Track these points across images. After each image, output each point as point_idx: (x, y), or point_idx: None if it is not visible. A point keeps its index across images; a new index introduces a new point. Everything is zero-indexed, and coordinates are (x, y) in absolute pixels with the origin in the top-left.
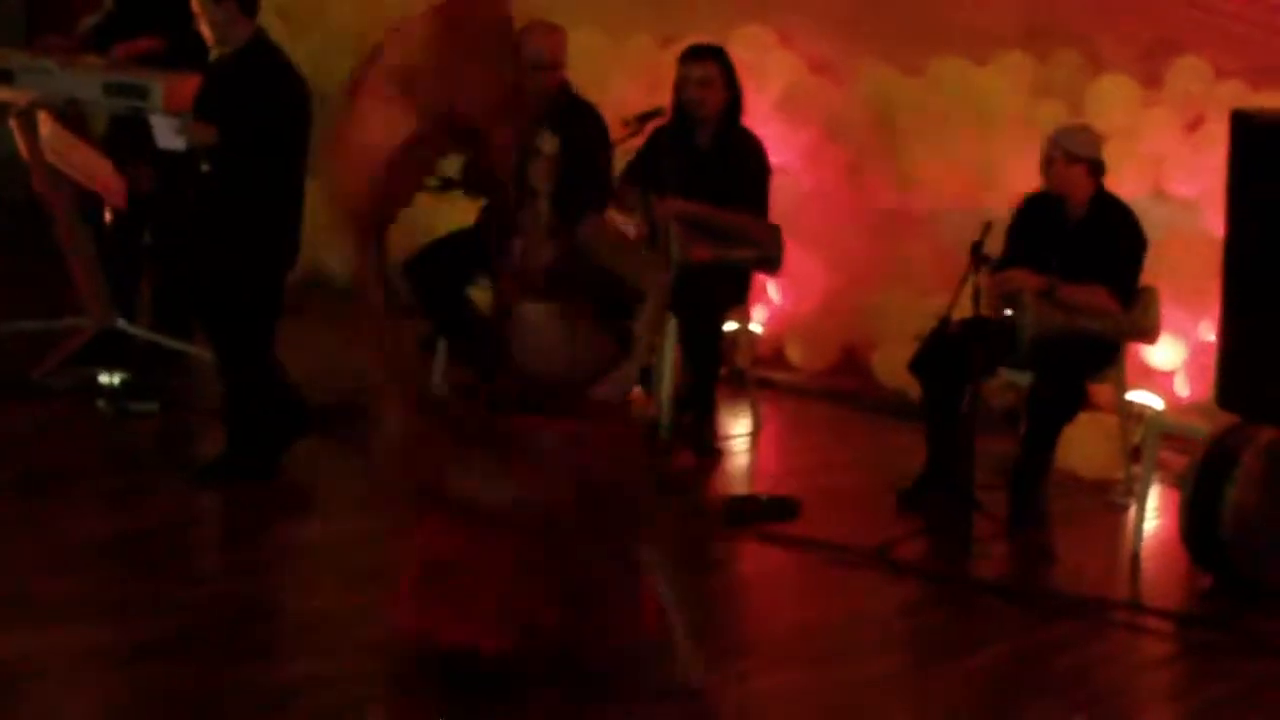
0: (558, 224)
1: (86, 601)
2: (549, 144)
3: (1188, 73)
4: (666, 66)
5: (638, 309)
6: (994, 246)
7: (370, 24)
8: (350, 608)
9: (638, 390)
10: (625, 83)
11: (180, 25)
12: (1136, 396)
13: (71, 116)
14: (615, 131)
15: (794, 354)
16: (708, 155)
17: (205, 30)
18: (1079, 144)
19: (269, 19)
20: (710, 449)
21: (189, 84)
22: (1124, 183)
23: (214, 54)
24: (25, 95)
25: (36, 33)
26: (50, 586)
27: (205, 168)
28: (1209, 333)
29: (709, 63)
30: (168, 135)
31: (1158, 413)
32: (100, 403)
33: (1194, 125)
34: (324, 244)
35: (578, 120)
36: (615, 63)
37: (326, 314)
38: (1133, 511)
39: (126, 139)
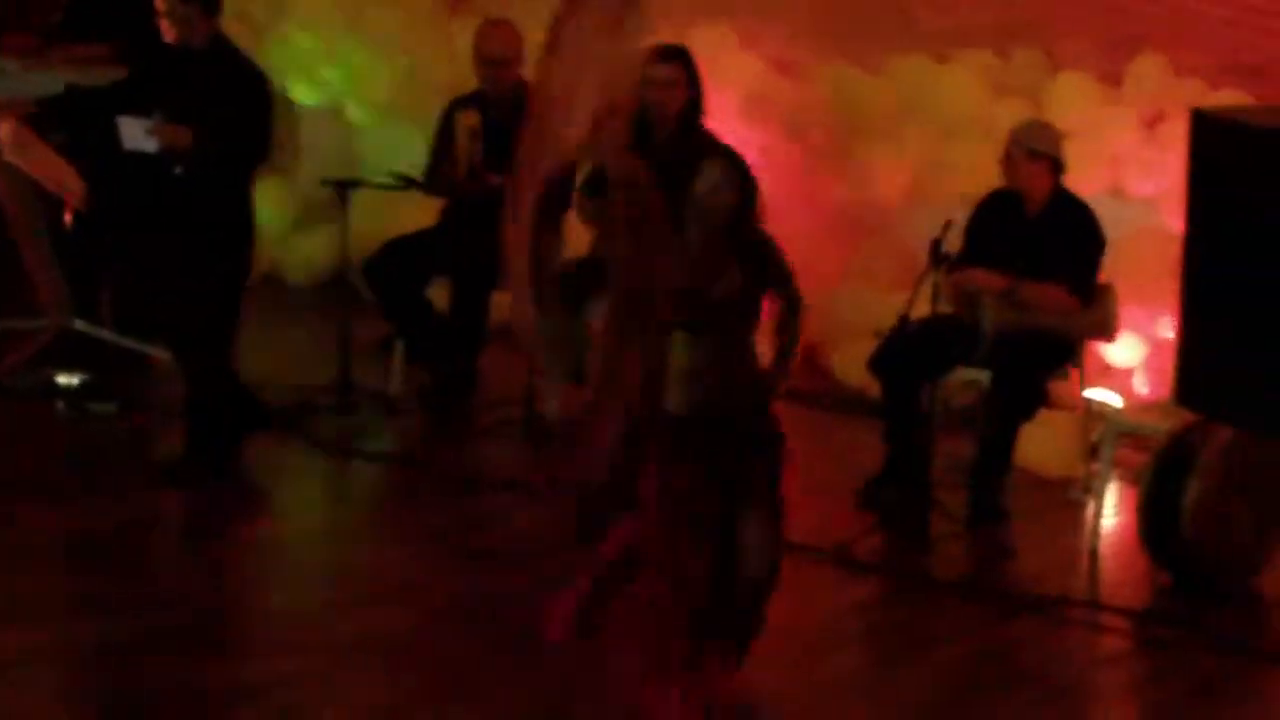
0: (727, 253)
1: (46, 601)
2: (709, 177)
3: (1147, 71)
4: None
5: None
6: (953, 245)
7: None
8: (311, 605)
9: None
10: None
11: (136, 26)
12: (1095, 394)
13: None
14: None
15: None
16: (668, 154)
17: (167, 27)
18: (1040, 141)
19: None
20: None
21: None
22: (1083, 181)
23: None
24: None
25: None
26: (9, 586)
27: (178, 170)
28: (1167, 331)
29: (674, 64)
30: (136, 137)
31: (1116, 411)
32: (59, 404)
33: (1153, 123)
34: (279, 243)
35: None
36: None
37: (281, 314)
38: (1091, 509)
39: (90, 141)
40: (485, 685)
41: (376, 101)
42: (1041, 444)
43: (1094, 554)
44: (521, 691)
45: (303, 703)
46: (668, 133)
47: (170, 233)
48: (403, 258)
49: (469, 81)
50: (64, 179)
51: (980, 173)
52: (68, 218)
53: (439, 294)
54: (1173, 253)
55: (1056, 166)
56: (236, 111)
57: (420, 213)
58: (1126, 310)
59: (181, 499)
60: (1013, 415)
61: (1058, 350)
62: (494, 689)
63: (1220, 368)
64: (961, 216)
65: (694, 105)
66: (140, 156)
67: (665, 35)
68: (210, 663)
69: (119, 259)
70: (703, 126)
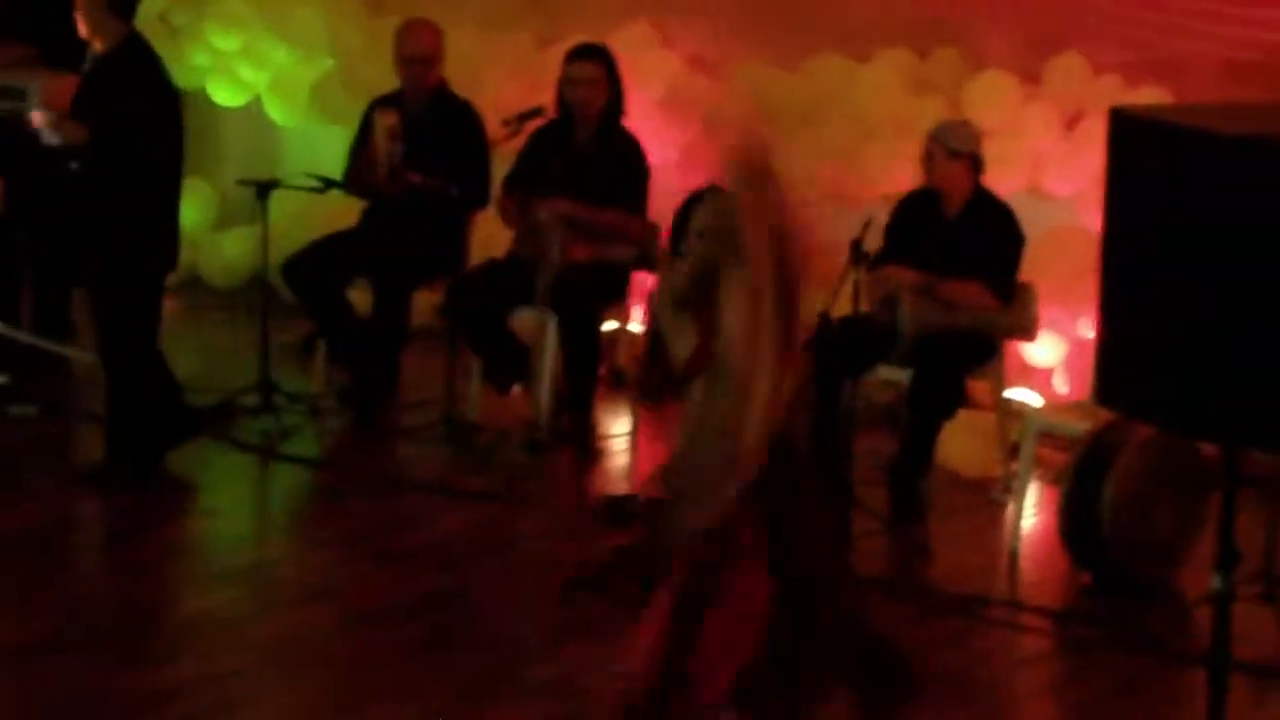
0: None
1: None
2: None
3: (1066, 70)
4: (546, 66)
5: None
6: (873, 243)
7: None
8: (231, 607)
9: (518, 391)
10: (504, 82)
11: (56, 31)
12: (1015, 394)
13: None
14: (494, 131)
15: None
16: (587, 154)
17: (80, 25)
18: (960, 139)
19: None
20: (589, 448)
21: (67, 84)
22: (1003, 179)
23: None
24: None
25: None
26: None
27: (74, 165)
28: (1087, 330)
29: (595, 62)
30: (43, 132)
31: (1036, 410)
32: None
33: (1073, 122)
34: (199, 245)
35: (454, 119)
36: (494, 62)
37: (202, 315)
38: (1011, 509)
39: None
40: (404, 687)
41: (298, 102)
42: (962, 443)
43: (1014, 554)
44: (442, 692)
45: (223, 704)
46: (589, 131)
47: (81, 232)
48: (323, 258)
49: (392, 81)
50: None
51: (899, 172)
52: None
53: (360, 295)
54: (1092, 252)
55: (976, 165)
56: (128, 110)
57: (341, 213)
58: (1046, 309)
59: (100, 501)
60: (933, 414)
61: (978, 349)
62: (413, 690)
63: (1139, 366)
64: (881, 215)
65: (614, 104)
66: (51, 154)
67: (586, 34)
68: (129, 665)
69: (36, 260)
70: (622, 125)
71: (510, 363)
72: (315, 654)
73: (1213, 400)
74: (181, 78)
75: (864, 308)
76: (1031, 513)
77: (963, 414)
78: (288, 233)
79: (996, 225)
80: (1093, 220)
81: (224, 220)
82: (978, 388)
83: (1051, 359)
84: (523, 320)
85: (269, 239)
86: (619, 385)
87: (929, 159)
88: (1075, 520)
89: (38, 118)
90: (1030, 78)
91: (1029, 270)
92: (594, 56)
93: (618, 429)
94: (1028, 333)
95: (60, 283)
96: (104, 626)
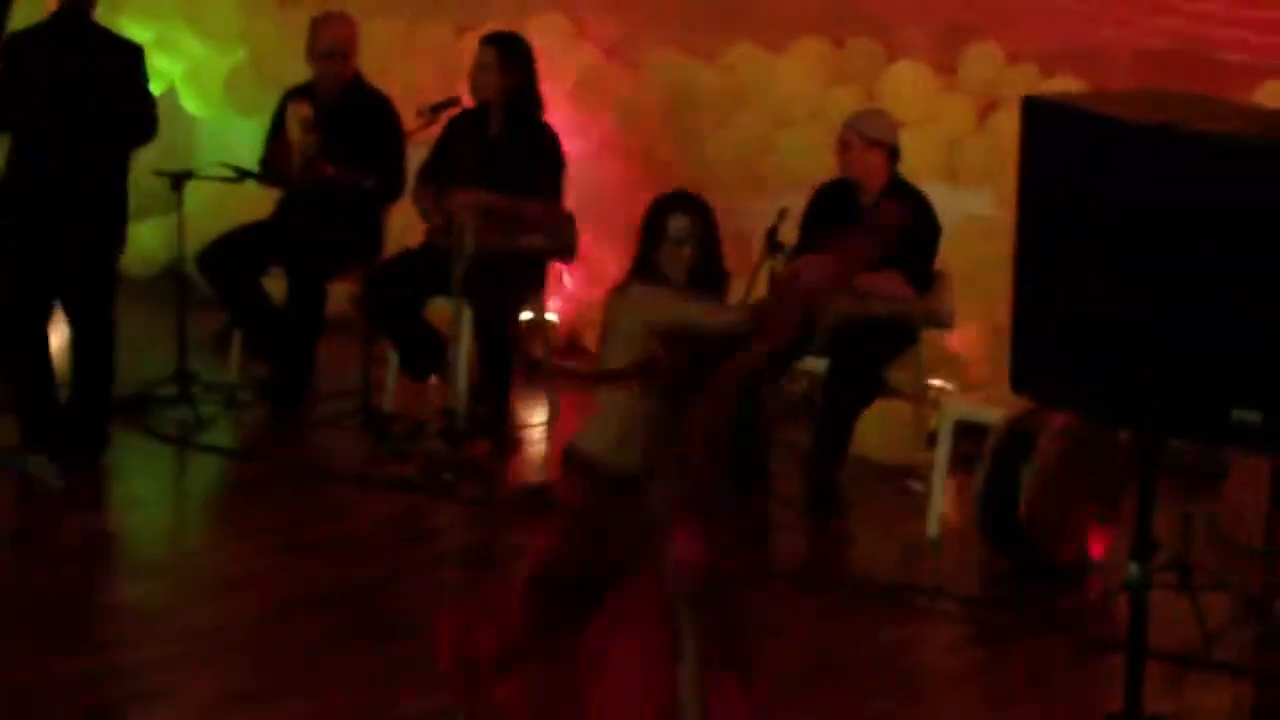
0: None
1: None
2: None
3: (981, 59)
4: (462, 55)
5: None
6: (788, 234)
7: None
8: (149, 598)
9: (435, 380)
10: (420, 72)
11: None
12: (932, 382)
13: None
14: (410, 122)
15: (590, 342)
16: (499, 143)
17: None
18: (877, 129)
19: None
20: (507, 439)
21: None
22: (918, 169)
23: None
24: None
25: None
26: None
27: None
28: (1003, 318)
29: (489, 47)
30: None
31: (953, 398)
32: None
33: (987, 111)
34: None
35: (369, 111)
36: (410, 52)
37: (122, 306)
38: (929, 497)
39: None
40: (325, 676)
41: (212, 93)
42: (879, 432)
43: (933, 542)
44: (358, 683)
45: (142, 694)
46: (500, 121)
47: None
48: (238, 249)
49: (306, 73)
50: None
51: (814, 161)
52: None
53: (275, 285)
54: (1007, 240)
55: (893, 155)
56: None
57: (256, 204)
58: (962, 298)
59: (12, 491)
60: (850, 403)
61: (895, 338)
62: (333, 680)
63: (1054, 354)
64: (796, 205)
65: (523, 92)
66: None
67: (503, 24)
68: (47, 655)
69: None
70: (535, 115)
71: (427, 352)
72: (235, 644)
73: (1127, 388)
74: None
75: None
76: (949, 501)
77: (880, 403)
78: (203, 223)
79: (913, 214)
80: (1008, 209)
81: (139, 211)
82: (896, 377)
83: (968, 347)
84: (438, 310)
85: (184, 229)
86: (534, 375)
87: (845, 148)
88: (992, 507)
89: None
90: (945, 68)
91: (945, 259)
92: (491, 42)
93: (535, 419)
94: (945, 321)
95: None
96: (19, 617)
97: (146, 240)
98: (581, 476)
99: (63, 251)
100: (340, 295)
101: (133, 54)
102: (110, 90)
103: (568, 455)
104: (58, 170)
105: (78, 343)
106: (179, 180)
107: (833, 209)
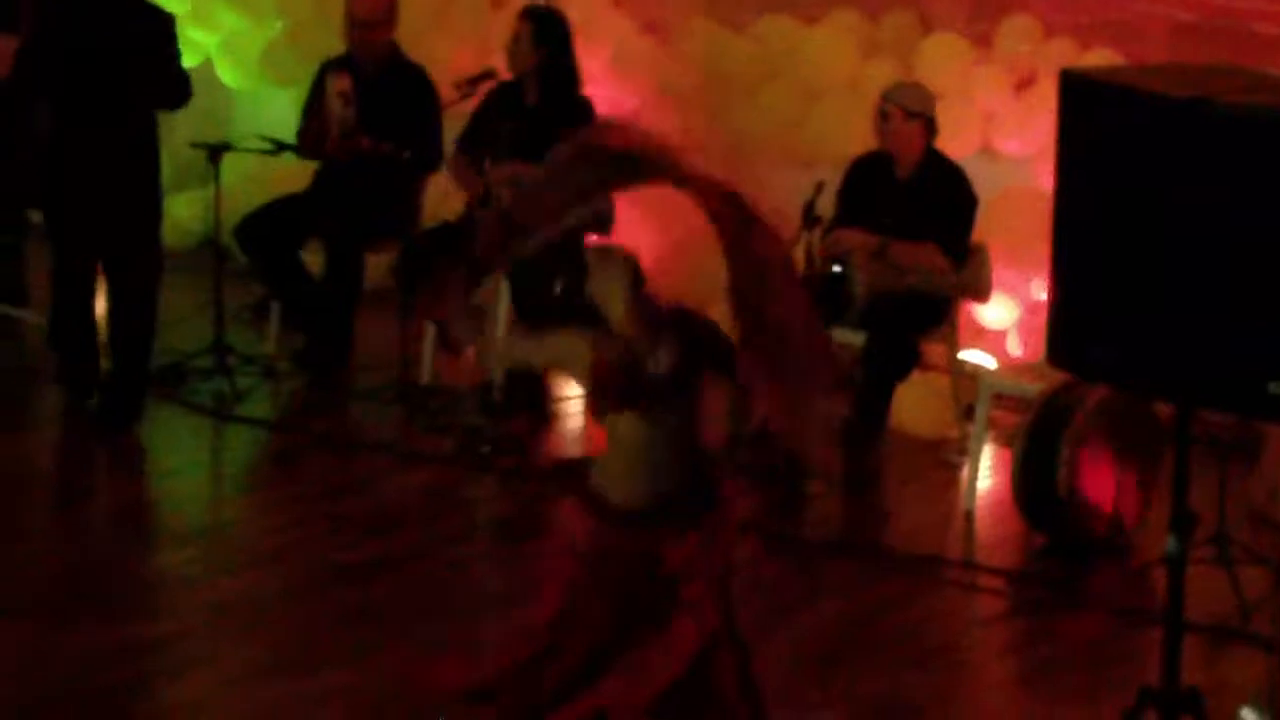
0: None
1: None
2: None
3: (1017, 32)
4: (498, 28)
5: None
6: (825, 207)
7: None
8: (181, 569)
9: (470, 353)
10: (455, 45)
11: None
12: (969, 356)
13: None
14: (447, 95)
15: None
16: (536, 116)
17: None
18: (915, 100)
19: None
20: (545, 412)
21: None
22: (955, 142)
23: None
24: None
25: None
26: None
27: None
28: (1040, 291)
29: (524, 21)
30: None
31: (990, 371)
32: None
33: (1024, 84)
34: None
35: (407, 83)
36: (445, 24)
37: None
38: (966, 470)
39: None
40: (358, 648)
41: (249, 65)
42: (916, 405)
43: (969, 515)
44: (393, 655)
45: (175, 665)
46: (536, 93)
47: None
48: (275, 221)
49: (343, 44)
50: None
51: (847, 134)
52: None
53: (313, 257)
54: (1044, 213)
55: (930, 127)
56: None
57: (293, 176)
58: (999, 271)
59: (52, 460)
60: (887, 376)
61: (931, 311)
62: (366, 652)
63: (1092, 327)
64: (832, 178)
65: (556, 65)
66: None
67: None
68: (81, 626)
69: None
70: (572, 87)
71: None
72: (268, 615)
73: (1164, 360)
74: None
75: (816, 271)
76: (986, 474)
77: (917, 376)
78: (240, 195)
79: (949, 187)
80: (1045, 181)
81: (176, 183)
82: (932, 350)
83: (1005, 320)
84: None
85: (221, 202)
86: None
87: (884, 119)
88: (1029, 481)
89: None
90: (982, 40)
91: (981, 231)
92: (528, 15)
93: (571, 392)
94: (981, 294)
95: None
96: (60, 585)
97: (183, 212)
98: (588, 517)
99: (102, 219)
100: (378, 267)
101: (163, 20)
102: (140, 55)
103: (573, 496)
104: (91, 135)
105: (116, 313)
106: (216, 153)
107: (869, 182)
